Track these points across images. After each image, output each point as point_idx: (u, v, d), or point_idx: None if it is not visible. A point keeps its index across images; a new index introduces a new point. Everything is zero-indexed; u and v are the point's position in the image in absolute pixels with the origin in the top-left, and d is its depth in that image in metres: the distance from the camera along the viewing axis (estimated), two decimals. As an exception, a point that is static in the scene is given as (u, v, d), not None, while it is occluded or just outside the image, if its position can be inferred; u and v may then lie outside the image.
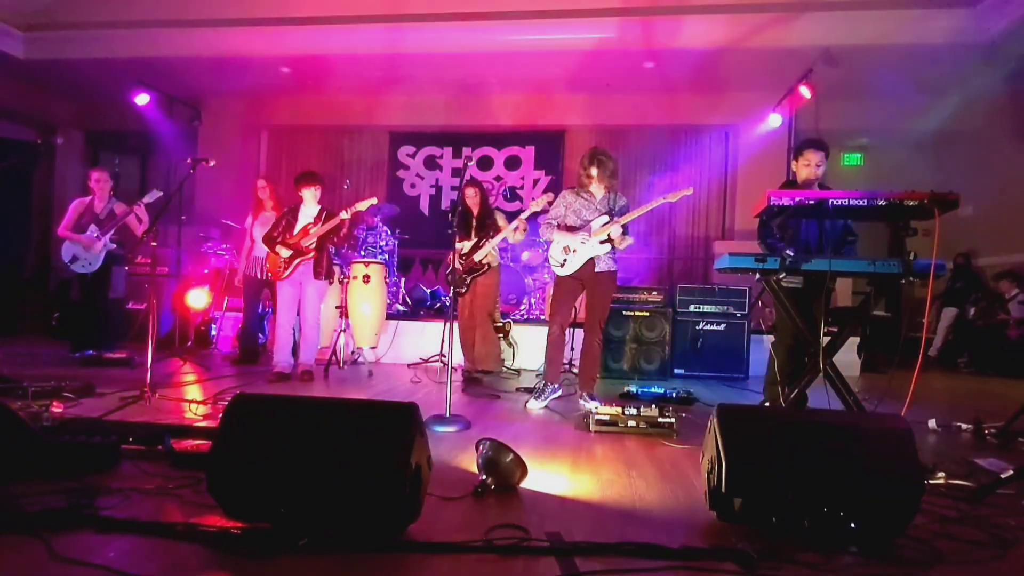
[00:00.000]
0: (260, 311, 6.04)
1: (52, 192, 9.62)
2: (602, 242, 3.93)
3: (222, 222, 7.28)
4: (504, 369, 5.62)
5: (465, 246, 4.93)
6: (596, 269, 3.98)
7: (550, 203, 4.29)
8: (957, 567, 1.70)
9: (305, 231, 4.77)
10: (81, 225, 5.37)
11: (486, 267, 4.93)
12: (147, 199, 5.32)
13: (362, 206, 4.78)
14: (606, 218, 3.95)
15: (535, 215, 4.62)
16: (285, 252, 4.74)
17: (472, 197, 5.03)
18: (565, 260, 4.03)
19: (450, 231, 3.83)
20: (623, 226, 3.96)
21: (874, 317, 6.19)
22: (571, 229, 4.03)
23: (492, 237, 4.86)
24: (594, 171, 3.97)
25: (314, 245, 4.76)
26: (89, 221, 5.36)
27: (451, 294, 4.26)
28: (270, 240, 4.81)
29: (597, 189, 4.04)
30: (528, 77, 8.01)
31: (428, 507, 1.87)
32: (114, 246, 5.44)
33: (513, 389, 4.78)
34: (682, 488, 2.36)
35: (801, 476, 1.81)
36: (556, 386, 4.10)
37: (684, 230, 8.95)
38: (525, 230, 4.86)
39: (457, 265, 4.85)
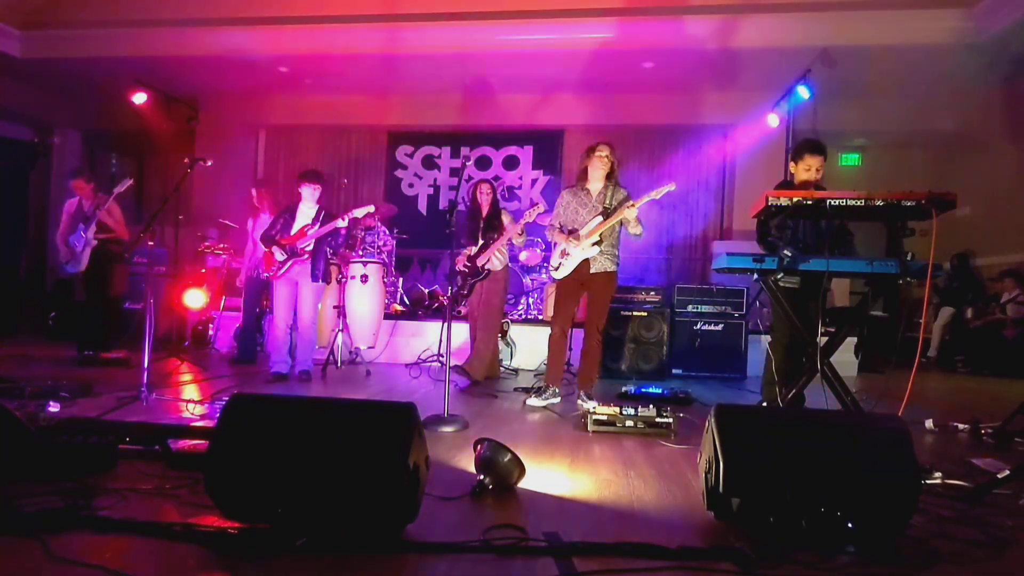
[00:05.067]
0: (258, 311, 6.04)
1: (49, 192, 9.59)
2: (593, 244, 3.92)
3: (220, 222, 7.27)
4: (501, 368, 5.61)
5: (472, 249, 4.84)
6: (591, 271, 3.98)
7: (541, 213, 4.35)
8: (954, 567, 1.70)
9: (302, 232, 4.75)
10: (74, 227, 5.40)
11: (486, 272, 4.80)
12: (117, 189, 5.27)
13: (359, 213, 4.78)
14: (599, 219, 3.95)
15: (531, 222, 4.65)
16: (280, 255, 4.72)
17: (486, 195, 4.92)
18: (560, 264, 4.04)
19: (448, 231, 3.80)
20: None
21: (871, 317, 6.20)
22: (570, 232, 4.04)
23: (496, 241, 4.77)
24: (589, 164, 3.99)
25: (310, 247, 4.75)
26: (79, 221, 5.39)
27: (449, 294, 4.21)
28: (267, 239, 4.80)
29: (595, 184, 4.05)
30: (527, 77, 8.01)
31: (426, 507, 1.87)
32: (96, 243, 5.37)
33: (511, 389, 4.78)
34: (680, 488, 2.37)
35: (798, 476, 1.81)
36: (556, 390, 4.09)
37: (682, 230, 8.96)
38: (522, 233, 4.84)
39: (462, 268, 4.83)
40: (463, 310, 5.30)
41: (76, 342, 5.56)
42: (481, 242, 4.84)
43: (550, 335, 4.13)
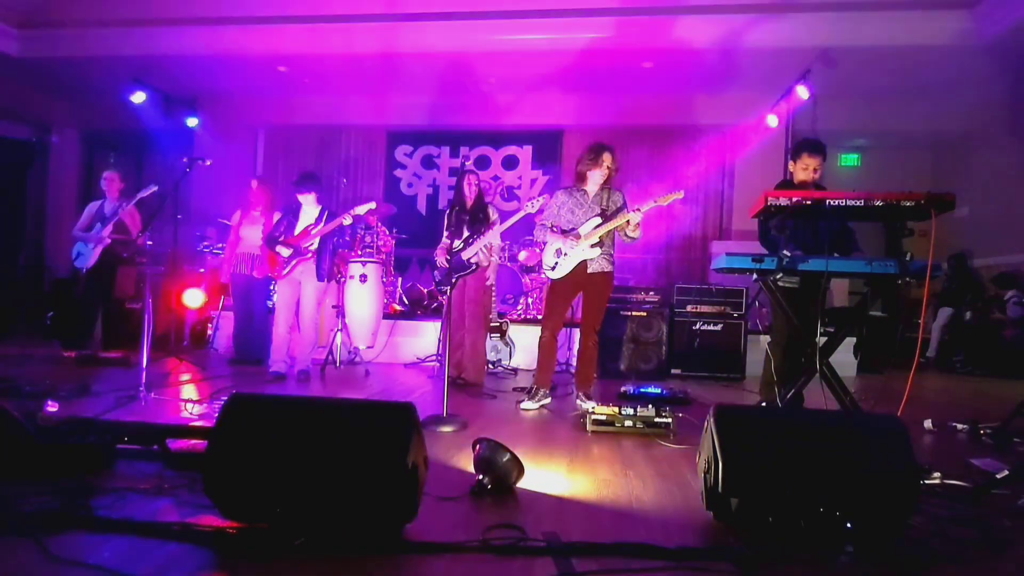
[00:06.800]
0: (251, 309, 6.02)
1: (47, 191, 9.58)
2: (592, 245, 3.90)
3: (219, 221, 7.24)
4: (500, 368, 5.61)
5: (456, 243, 4.62)
6: (588, 271, 3.95)
7: (545, 206, 4.29)
8: (954, 567, 1.70)
9: (306, 232, 4.77)
10: (91, 226, 5.56)
11: (474, 267, 4.64)
12: (141, 194, 5.41)
13: (360, 210, 4.77)
14: (597, 220, 3.92)
15: (529, 215, 4.56)
16: (285, 252, 4.73)
17: (472, 186, 4.72)
18: (556, 263, 4.00)
19: (447, 231, 3.79)
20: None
21: (871, 317, 6.21)
22: (564, 232, 4.01)
23: (483, 234, 4.60)
24: (590, 170, 3.94)
25: (315, 246, 4.75)
26: (97, 221, 5.54)
27: (447, 293, 4.20)
28: (272, 240, 4.81)
29: (592, 185, 4.00)
30: (526, 76, 8.00)
31: (425, 507, 1.87)
32: (108, 242, 5.47)
33: (510, 389, 4.78)
34: (679, 488, 2.37)
35: (798, 476, 1.81)
36: (546, 391, 4.08)
37: (682, 230, 8.96)
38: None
39: (443, 262, 4.70)
40: (443, 299, 5.18)
41: (66, 340, 5.61)
42: (467, 234, 4.65)
43: (540, 339, 4.10)
